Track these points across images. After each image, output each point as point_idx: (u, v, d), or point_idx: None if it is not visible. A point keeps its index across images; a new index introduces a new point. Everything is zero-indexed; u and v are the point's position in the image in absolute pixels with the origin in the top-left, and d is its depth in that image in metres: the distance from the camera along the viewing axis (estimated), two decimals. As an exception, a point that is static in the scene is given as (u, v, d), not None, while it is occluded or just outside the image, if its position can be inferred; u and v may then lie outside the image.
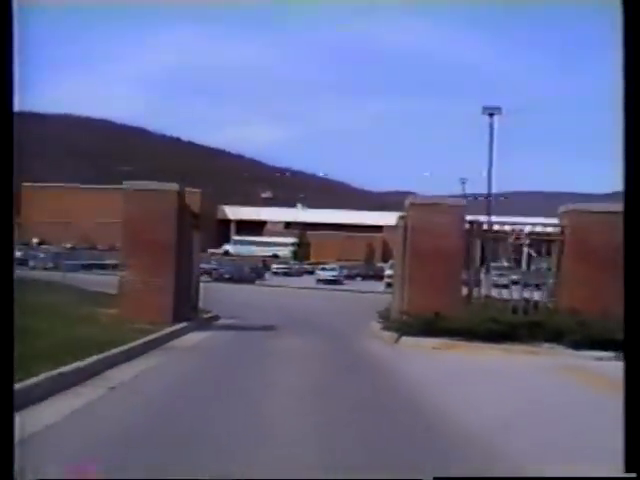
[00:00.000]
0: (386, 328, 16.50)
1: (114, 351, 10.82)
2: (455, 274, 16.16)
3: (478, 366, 12.33)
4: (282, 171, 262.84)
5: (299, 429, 6.72)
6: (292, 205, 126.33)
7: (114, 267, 41.92)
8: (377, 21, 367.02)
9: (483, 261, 17.74)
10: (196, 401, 8.11)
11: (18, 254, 51.71)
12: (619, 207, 11.39)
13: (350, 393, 8.95)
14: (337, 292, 42.95)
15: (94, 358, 9.82)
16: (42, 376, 7.96)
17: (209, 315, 19.33)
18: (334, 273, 56.46)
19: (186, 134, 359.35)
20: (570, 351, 13.98)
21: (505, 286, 19.59)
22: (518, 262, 19.00)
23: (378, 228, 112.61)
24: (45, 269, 44.03)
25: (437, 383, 10.23)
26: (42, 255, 53.92)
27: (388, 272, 41.50)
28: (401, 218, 18.39)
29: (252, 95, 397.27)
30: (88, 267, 49.04)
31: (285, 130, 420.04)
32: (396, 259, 19.16)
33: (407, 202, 17.23)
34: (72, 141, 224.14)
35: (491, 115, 41.85)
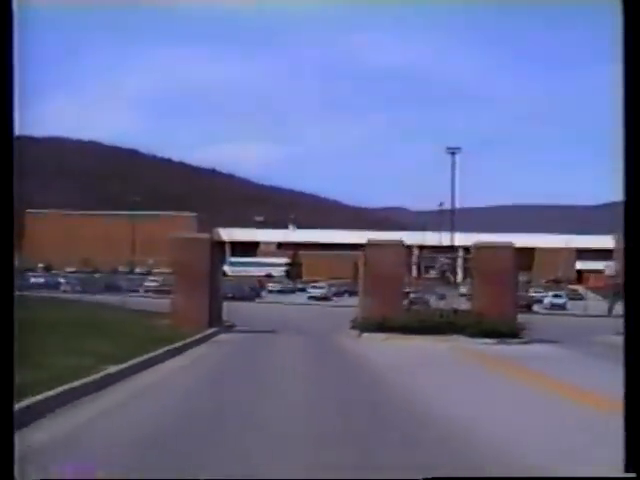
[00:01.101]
0: (353, 328, 24.78)
1: (180, 343, 18.85)
2: (397, 290, 24.47)
3: (405, 347, 20.51)
4: (273, 190, 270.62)
5: (296, 367, 14.92)
6: (284, 226, 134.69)
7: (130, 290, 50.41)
8: (367, 40, 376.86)
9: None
10: (238, 359, 16.33)
11: (41, 280, 59.68)
12: (508, 243, 21.27)
13: (324, 358, 17.16)
14: (325, 307, 51.11)
15: (174, 345, 17.88)
16: (160, 351, 16.07)
17: (229, 324, 27.43)
18: (323, 291, 64.87)
19: (177, 154, 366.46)
20: (466, 339, 22.24)
21: (442, 297, 27.88)
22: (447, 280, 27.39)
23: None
24: (75, 292, 51.82)
25: (376, 354, 18.41)
26: (64, 280, 61.46)
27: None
28: (362, 252, 26.82)
29: (242, 114, 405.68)
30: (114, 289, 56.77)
31: (275, 148, 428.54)
32: (360, 280, 27.58)
33: (366, 241, 25.73)
34: (62, 164, 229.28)
35: (453, 154, 50.39)
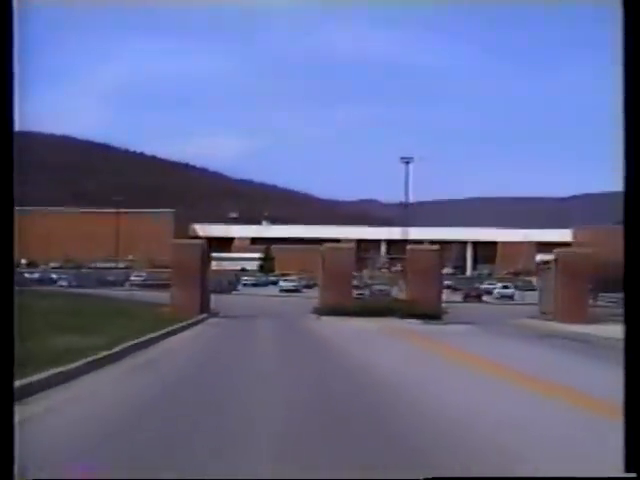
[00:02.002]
0: (314, 313, 32.21)
1: (183, 323, 26.07)
2: (347, 284, 31.95)
3: (348, 325, 27.87)
4: (245, 184, 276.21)
5: (270, 336, 22.25)
6: (257, 221, 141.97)
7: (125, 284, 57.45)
8: (342, 32, 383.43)
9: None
10: (228, 334, 23.62)
11: (36, 275, 66.26)
12: (435, 247, 30.09)
13: (290, 332, 24.50)
14: (295, 298, 58.51)
15: (180, 324, 25.08)
16: (173, 327, 23.32)
17: (214, 311, 34.69)
18: (294, 283, 72.41)
19: (149, 148, 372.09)
20: (397, 319, 29.72)
21: (402, 288, 35.44)
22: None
23: (336, 241, 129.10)
24: (70, 286, 58.60)
25: (327, 330, 25.74)
26: (61, 276, 68.02)
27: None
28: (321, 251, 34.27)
29: (214, 107, 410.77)
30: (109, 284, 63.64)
31: (247, 142, 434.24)
32: (319, 276, 35.02)
33: (322, 247, 33.20)
34: (35, 158, 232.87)
35: (407, 163, 57.90)
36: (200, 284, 31.51)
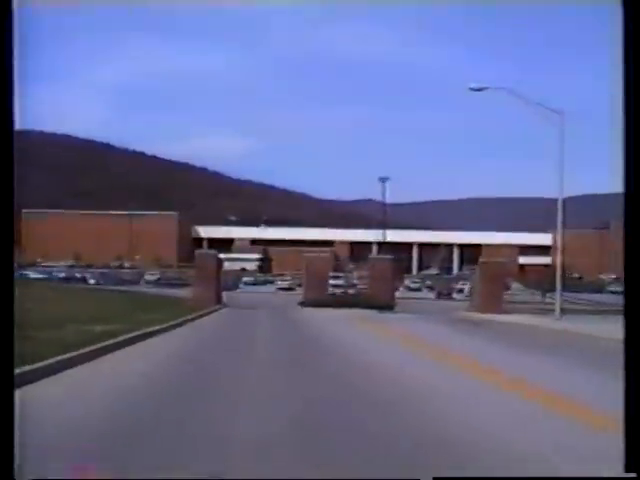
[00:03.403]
0: (299, 305, 44.49)
1: (206, 310, 38.27)
2: (324, 284, 44.17)
3: (323, 313, 40.05)
4: (244, 184, 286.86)
5: (266, 319, 34.46)
6: (256, 223, 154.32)
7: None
8: (341, 32, 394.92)
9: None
10: (237, 316, 35.85)
11: (63, 274, 78.30)
12: (389, 257, 44.23)
13: (280, 317, 36.72)
14: (288, 295, 70.67)
15: (202, 312, 37.22)
16: (199, 312, 35.54)
17: (225, 304, 46.84)
18: (288, 283, 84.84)
19: (150, 148, 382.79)
20: (360, 309, 41.91)
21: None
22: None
23: (330, 243, 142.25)
24: (98, 284, 70.67)
25: (303, 315, 37.92)
26: (90, 275, 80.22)
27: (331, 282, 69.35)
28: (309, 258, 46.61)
29: (214, 106, 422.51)
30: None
31: (246, 141, 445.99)
32: (303, 278, 47.26)
33: (306, 255, 45.52)
34: (36, 157, 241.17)
35: (383, 182, 69.90)
36: (215, 283, 43.80)
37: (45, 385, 10.42)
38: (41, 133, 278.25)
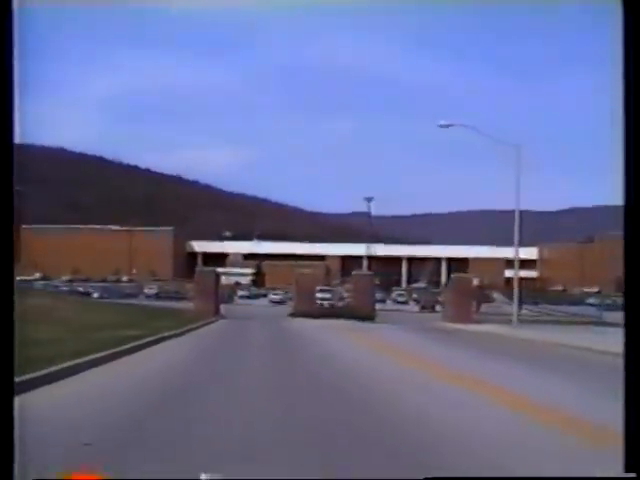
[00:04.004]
0: (289, 316, 50.50)
1: (207, 320, 44.19)
2: (312, 297, 50.21)
3: (310, 323, 45.97)
4: (237, 197, 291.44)
5: (259, 328, 40.41)
6: (249, 238, 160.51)
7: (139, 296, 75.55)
8: (335, 44, 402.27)
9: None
10: (234, 326, 41.80)
11: (65, 288, 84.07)
12: (369, 273, 51.21)
13: (272, 325, 42.67)
14: (280, 308, 76.64)
15: (203, 322, 43.17)
16: (200, 322, 41.51)
17: (223, 315, 52.70)
18: (281, 296, 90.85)
19: (143, 161, 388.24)
20: (344, 320, 47.86)
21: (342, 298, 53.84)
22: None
23: (321, 257, 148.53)
24: (102, 297, 76.34)
25: (292, 325, 43.86)
26: (93, 289, 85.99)
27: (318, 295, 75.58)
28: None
29: (206, 119, 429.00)
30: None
31: (238, 153, 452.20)
32: (294, 292, 53.24)
33: (295, 272, 51.57)
34: (28, 171, 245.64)
35: (369, 201, 76.01)
36: (214, 297, 49.74)
37: (118, 364, 16.40)
38: (35, 147, 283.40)
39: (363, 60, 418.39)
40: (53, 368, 13.01)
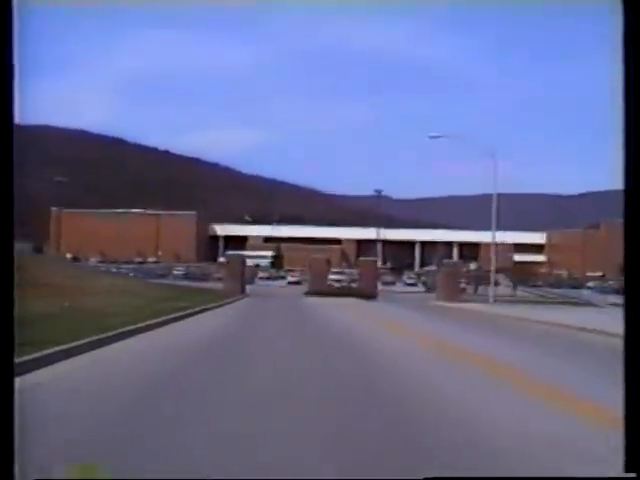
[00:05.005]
0: (305, 294, 60.97)
1: (235, 297, 54.65)
2: (324, 278, 60.64)
3: (324, 300, 56.03)
4: (255, 179, 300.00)
5: (279, 303, 50.77)
6: (269, 221, 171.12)
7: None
8: (355, 27, 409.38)
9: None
10: (258, 301, 52.23)
11: (103, 268, 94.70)
12: (373, 259, 63.04)
13: (290, 302, 53.00)
14: (297, 288, 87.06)
15: (234, 298, 53.67)
16: (231, 299, 52.02)
17: (248, 294, 63.15)
18: (297, 278, 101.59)
19: (162, 143, 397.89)
20: (352, 298, 58.22)
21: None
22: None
23: (338, 241, 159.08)
24: (136, 277, 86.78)
25: (307, 301, 54.13)
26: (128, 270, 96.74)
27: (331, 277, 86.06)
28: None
29: (225, 101, 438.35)
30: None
31: (257, 135, 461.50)
32: (308, 274, 63.67)
33: (309, 258, 62.05)
34: (48, 152, 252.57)
35: (379, 196, 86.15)
36: (241, 278, 60.18)
37: (185, 322, 26.53)
38: (54, 128, 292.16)
39: (379, 43, 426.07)
40: (155, 320, 23.05)
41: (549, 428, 7.89)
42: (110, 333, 16.82)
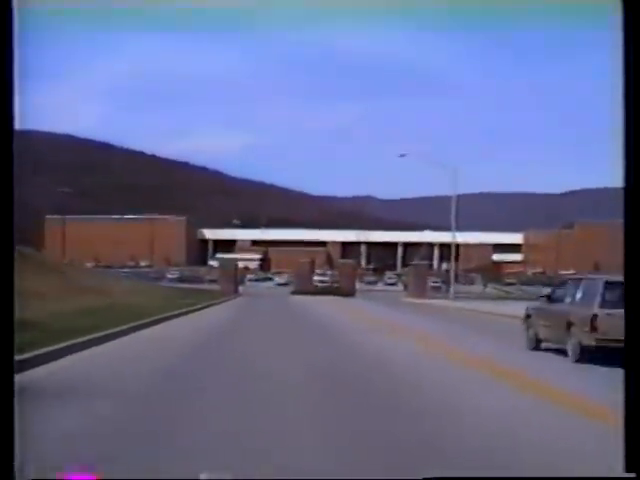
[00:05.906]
0: (291, 294, 70.45)
1: (229, 297, 63.95)
2: (309, 279, 70.13)
3: (308, 298, 65.43)
4: (244, 183, 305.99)
5: (268, 301, 60.10)
6: (256, 225, 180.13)
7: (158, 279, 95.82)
8: (340, 29, 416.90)
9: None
10: (250, 299, 61.61)
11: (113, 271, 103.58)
12: (351, 261, 73.40)
13: (277, 301, 62.36)
14: (283, 289, 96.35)
15: (227, 298, 62.90)
16: (226, 298, 61.38)
17: (240, 294, 72.35)
18: (285, 280, 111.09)
19: (149, 147, 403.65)
20: (333, 296, 67.61)
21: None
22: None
23: (323, 244, 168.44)
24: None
25: (296, 300, 63.45)
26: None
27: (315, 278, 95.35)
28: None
29: (212, 105, 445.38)
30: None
31: (245, 139, 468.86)
32: (294, 276, 73.13)
33: (296, 263, 71.56)
34: (35, 158, 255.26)
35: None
36: (234, 279, 69.54)
37: (194, 315, 35.94)
38: (41, 133, 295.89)
39: (366, 45, 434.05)
40: (180, 311, 32.40)
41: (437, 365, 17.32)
42: (158, 316, 26.28)
